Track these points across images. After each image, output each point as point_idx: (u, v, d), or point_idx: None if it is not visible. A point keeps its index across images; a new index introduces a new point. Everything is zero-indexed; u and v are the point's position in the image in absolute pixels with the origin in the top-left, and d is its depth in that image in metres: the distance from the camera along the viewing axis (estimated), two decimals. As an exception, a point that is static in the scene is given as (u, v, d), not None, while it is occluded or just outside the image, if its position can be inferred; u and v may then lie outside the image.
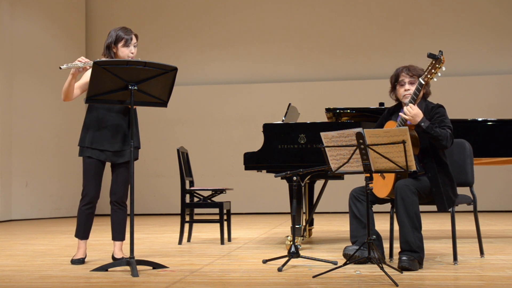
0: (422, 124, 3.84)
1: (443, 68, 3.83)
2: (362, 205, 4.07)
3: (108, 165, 4.41)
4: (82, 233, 4.38)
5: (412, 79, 4.04)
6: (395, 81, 4.14)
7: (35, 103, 11.26)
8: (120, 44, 4.30)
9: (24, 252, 5.28)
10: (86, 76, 4.34)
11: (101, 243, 5.86)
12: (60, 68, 4.13)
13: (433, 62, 3.83)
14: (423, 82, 3.88)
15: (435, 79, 3.87)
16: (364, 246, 3.82)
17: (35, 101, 11.26)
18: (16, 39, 11.04)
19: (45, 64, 11.31)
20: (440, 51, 3.85)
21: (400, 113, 3.95)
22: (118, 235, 4.41)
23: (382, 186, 4.05)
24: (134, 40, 4.35)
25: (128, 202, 4.34)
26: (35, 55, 11.34)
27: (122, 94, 3.90)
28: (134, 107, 4.11)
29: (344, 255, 4.01)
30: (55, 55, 11.59)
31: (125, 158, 4.33)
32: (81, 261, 4.32)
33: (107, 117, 4.28)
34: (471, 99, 11.61)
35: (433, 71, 3.84)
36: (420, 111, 3.87)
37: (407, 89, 4.04)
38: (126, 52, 4.30)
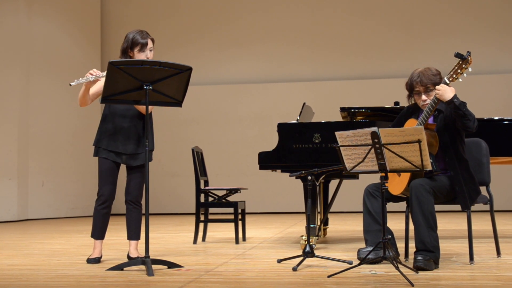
0: (455, 100, 3.77)
1: (470, 69, 3.78)
2: (376, 201, 4.04)
3: (123, 166, 4.45)
4: (98, 233, 4.42)
5: (427, 88, 4.00)
6: (411, 91, 4.09)
7: (51, 103, 11.33)
8: (136, 49, 4.32)
9: (40, 251, 5.33)
10: (101, 82, 4.37)
11: (117, 242, 5.89)
12: (70, 84, 4.17)
13: (460, 62, 3.78)
14: (448, 82, 3.83)
15: (460, 80, 3.82)
16: (378, 247, 3.80)
17: (51, 100, 11.34)
18: (33, 38, 11.13)
19: (62, 63, 11.39)
20: (468, 51, 3.80)
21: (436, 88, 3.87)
22: (133, 235, 4.45)
23: (397, 183, 4.02)
24: (150, 44, 4.36)
25: (143, 202, 4.37)
26: (52, 54, 11.43)
27: (137, 94, 3.92)
28: (150, 111, 4.14)
29: (359, 259, 3.99)
30: (71, 54, 11.67)
31: (139, 161, 4.38)
32: (97, 260, 4.34)
33: (122, 120, 4.33)
34: (487, 98, 11.50)
35: (459, 71, 3.79)
36: (453, 88, 3.81)
37: (424, 99, 4.00)
38: (141, 57, 4.30)
